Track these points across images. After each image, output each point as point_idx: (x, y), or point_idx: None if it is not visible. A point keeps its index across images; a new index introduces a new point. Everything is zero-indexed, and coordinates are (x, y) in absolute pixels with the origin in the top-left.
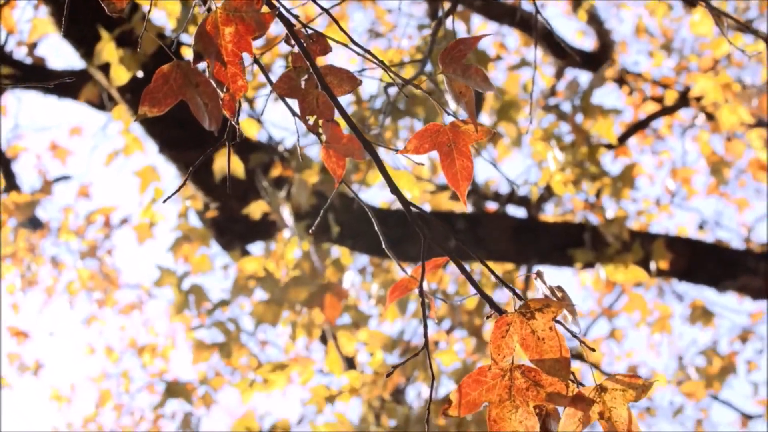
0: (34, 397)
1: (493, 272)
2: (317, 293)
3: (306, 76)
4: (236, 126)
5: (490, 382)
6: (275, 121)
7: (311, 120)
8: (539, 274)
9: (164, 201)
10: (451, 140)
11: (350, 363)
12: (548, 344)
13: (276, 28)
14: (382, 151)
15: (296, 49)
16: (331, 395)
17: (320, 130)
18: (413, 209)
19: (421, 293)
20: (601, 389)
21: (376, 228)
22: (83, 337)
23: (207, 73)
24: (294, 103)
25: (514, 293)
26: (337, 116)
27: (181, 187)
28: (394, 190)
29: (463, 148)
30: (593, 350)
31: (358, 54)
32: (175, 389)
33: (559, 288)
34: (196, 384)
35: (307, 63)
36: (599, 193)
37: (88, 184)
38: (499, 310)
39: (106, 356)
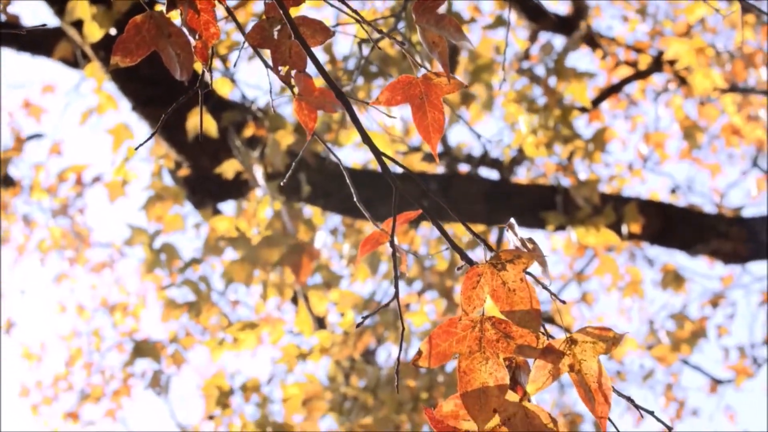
0: (5, 355)
1: (465, 224)
2: (289, 253)
3: (279, 27)
4: (209, 74)
5: (460, 334)
6: (249, 81)
7: (283, 71)
8: (510, 226)
9: (136, 149)
10: (423, 92)
11: (321, 323)
12: (519, 295)
13: None
14: (355, 110)
15: None
16: (302, 354)
17: (292, 82)
18: (384, 159)
19: (392, 245)
20: (571, 341)
21: (347, 181)
22: (54, 295)
23: (180, 22)
24: (267, 55)
25: (486, 244)
26: (313, 74)
27: (152, 136)
28: (366, 139)
29: (435, 100)
30: (564, 302)
31: (332, 5)
32: (144, 348)
33: (530, 240)
34: (166, 343)
35: (281, 12)
36: (571, 156)
37: (60, 142)
38: (470, 261)
39: (77, 315)
